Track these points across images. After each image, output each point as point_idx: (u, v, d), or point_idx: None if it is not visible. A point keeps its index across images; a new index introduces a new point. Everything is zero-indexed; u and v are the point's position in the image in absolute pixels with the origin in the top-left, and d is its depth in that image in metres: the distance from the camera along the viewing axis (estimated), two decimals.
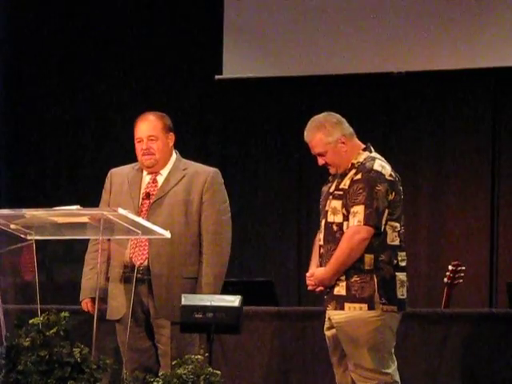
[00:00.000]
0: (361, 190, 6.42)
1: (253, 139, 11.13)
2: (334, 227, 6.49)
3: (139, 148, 6.80)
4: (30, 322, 5.94)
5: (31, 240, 6.44)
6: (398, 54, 10.63)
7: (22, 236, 6.47)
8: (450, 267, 8.61)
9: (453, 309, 8.43)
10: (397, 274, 6.48)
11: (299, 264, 10.16)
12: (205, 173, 6.83)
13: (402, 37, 10.66)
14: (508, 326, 7.51)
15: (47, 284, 6.46)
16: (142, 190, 6.81)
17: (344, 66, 10.90)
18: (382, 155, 6.66)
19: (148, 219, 6.59)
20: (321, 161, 6.62)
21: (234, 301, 6.37)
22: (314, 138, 6.61)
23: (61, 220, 6.45)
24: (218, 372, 5.96)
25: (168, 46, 11.48)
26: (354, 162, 6.55)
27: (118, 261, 6.78)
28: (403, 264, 6.54)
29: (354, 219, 6.40)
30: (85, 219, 6.39)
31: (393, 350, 6.51)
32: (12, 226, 6.45)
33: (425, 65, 10.57)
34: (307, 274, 6.62)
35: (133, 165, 6.95)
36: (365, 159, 6.55)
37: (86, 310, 6.79)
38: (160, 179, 6.83)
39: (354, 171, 6.51)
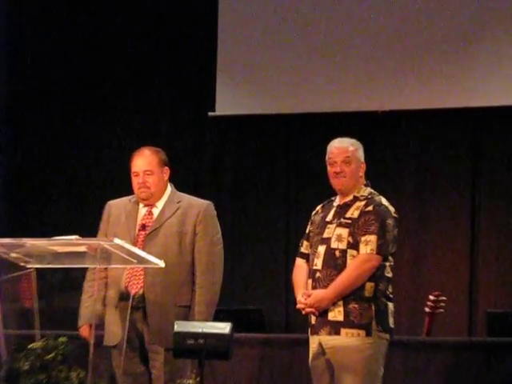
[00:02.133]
0: (373, 221, 6.44)
1: (243, 173, 11.07)
2: (337, 253, 6.47)
3: (136, 182, 6.82)
4: (30, 346, 5.94)
5: (31, 268, 6.41)
6: (383, 93, 10.61)
7: (22, 264, 6.43)
8: (431, 297, 8.58)
9: (434, 337, 8.43)
10: (389, 303, 6.52)
11: (287, 293, 10.17)
12: (198, 205, 6.84)
13: (388, 76, 10.66)
14: (487, 354, 7.53)
15: (46, 310, 6.44)
16: (138, 222, 6.81)
17: (331, 104, 10.84)
18: None
19: (144, 249, 6.57)
20: (341, 167, 6.58)
21: (224, 328, 6.35)
22: (350, 147, 6.66)
23: (60, 249, 6.42)
24: None
25: (163, 84, 11.44)
26: (357, 195, 6.58)
27: (115, 289, 6.76)
28: (391, 296, 6.58)
29: (367, 247, 6.41)
30: (83, 249, 6.36)
31: (381, 378, 6.51)
32: (13, 255, 6.42)
33: (406, 104, 10.55)
34: (302, 292, 6.54)
35: (129, 197, 6.95)
36: (370, 193, 6.61)
37: (83, 335, 6.76)
38: (155, 211, 6.84)
39: (363, 203, 6.52)
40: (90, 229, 7.22)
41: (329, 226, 6.57)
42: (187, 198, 6.92)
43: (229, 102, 11.19)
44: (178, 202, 6.86)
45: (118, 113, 11.53)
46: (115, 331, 6.72)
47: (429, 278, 10.09)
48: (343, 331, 6.40)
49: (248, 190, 11.00)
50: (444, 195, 10.40)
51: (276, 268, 10.63)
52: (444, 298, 8.60)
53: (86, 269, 6.64)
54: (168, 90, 11.43)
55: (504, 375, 7.40)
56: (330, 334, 6.44)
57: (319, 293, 6.43)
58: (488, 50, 10.38)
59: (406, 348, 7.76)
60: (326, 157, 6.69)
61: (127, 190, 6.94)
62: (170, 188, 6.92)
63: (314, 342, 6.55)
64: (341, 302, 6.41)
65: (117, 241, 6.24)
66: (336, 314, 6.42)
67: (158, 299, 6.67)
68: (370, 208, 6.50)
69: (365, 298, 6.42)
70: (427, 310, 8.57)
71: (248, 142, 11.14)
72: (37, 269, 6.42)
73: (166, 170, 6.89)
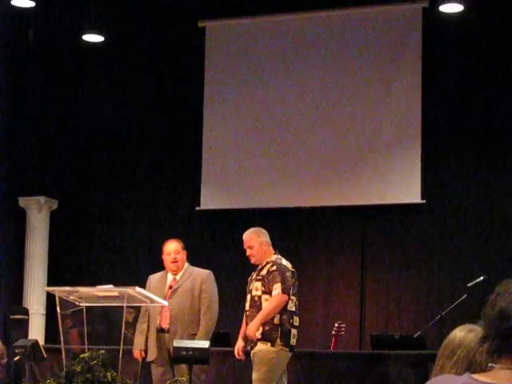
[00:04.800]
0: (277, 275, 6.57)
1: (226, 257, 10.26)
2: (256, 298, 6.62)
3: (169, 258, 7.01)
4: (81, 356, 5.94)
5: (82, 306, 6.41)
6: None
7: (77, 303, 6.43)
8: (336, 324, 8.49)
9: (337, 350, 8.33)
10: (292, 329, 6.56)
11: None
12: (203, 273, 7.07)
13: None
14: (371, 362, 7.45)
15: (92, 333, 6.44)
16: (168, 284, 7.00)
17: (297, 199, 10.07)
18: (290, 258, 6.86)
19: (170, 300, 6.82)
20: (248, 251, 6.74)
21: (205, 344, 6.45)
22: (249, 235, 6.81)
23: (100, 294, 6.46)
24: None
25: (158, 187, 10.80)
26: (269, 260, 6.70)
27: (153, 325, 6.92)
28: (297, 324, 6.62)
29: (275, 291, 6.53)
30: (115, 293, 6.40)
31: (278, 376, 6.53)
32: (71, 297, 6.44)
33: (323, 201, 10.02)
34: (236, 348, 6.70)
35: (160, 273, 7.14)
36: (276, 258, 6.72)
37: (136, 356, 6.91)
38: (177, 277, 7.04)
39: (270, 265, 6.64)
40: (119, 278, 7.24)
41: (252, 281, 6.73)
42: (196, 269, 7.12)
43: (212, 198, 10.47)
44: (191, 272, 7.07)
45: (122, 215, 10.99)
46: (153, 351, 6.87)
47: (335, 313, 9.82)
48: (259, 343, 6.52)
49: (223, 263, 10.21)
50: (345, 266, 10.21)
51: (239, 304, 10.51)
52: (344, 325, 8.52)
53: (120, 307, 6.50)
54: (165, 190, 10.80)
55: (382, 376, 7.40)
56: (252, 348, 6.57)
57: (250, 327, 6.55)
58: (373, 164, 9.93)
59: (319, 358, 7.73)
60: None
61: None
62: (186, 263, 7.13)
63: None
64: (261, 327, 6.49)
65: (138, 289, 6.33)
66: (257, 335, 6.51)
67: (178, 330, 6.82)
68: (274, 268, 6.62)
69: (274, 324, 6.51)
70: (333, 332, 8.47)
71: (229, 231, 10.26)
72: (86, 306, 6.42)
73: (185, 252, 7.10)
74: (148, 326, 6.97)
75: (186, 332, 6.78)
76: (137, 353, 6.93)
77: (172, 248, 7.05)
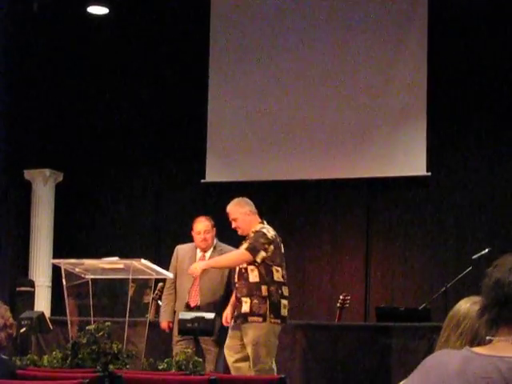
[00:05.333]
0: (251, 238, 6.49)
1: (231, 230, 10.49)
2: (243, 270, 6.53)
3: (199, 238, 6.98)
4: (87, 328, 5.91)
5: (88, 278, 6.41)
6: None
7: (82, 275, 6.42)
8: (341, 297, 8.47)
9: (343, 322, 8.33)
10: (282, 300, 6.45)
11: None
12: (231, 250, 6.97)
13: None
14: (376, 334, 7.48)
15: (97, 305, 6.46)
16: (197, 260, 6.95)
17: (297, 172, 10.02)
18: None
19: (200, 278, 6.80)
20: (234, 224, 6.65)
21: (210, 316, 6.45)
22: (232, 208, 6.70)
23: (106, 266, 6.45)
24: (200, 360, 5.98)
25: (163, 160, 10.77)
26: (253, 229, 6.56)
27: (181, 302, 6.95)
28: (286, 294, 6.49)
29: (242, 247, 6.49)
30: (121, 266, 6.39)
31: (275, 348, 6.48)
32: (76, 269, 6.43)
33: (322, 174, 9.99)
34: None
35: (190, 245, 7.11)
36: (260, 227, 6.57)
37: (163, 328, 6.95)
38: (207, 255, 7.02)
39: (252, 234, 6.58)
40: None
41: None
42: (226, 247, 7.05)
43: (217, 171, 10.41)
44: (221, 249, 7.00)
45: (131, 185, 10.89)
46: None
47: (341, 285, 9.82)
48: (250, 318, 6.41)
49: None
50: (351, 238, 10.19)
51: None
52: (349, 297, 8.53)
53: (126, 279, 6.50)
54: (170, 163, 10.74)
55: (387, 348, 7.38)
56: (243, 322, 6.45)
57: (195, 264, 6.57)
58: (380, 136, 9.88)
59: (325, 330, 7.72)
60: None
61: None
62: (215, 240, 7.09)
63: (236, 330, 6.55)
64: (248, 300, 6.40)
65: (143, 261, 6.31)
66: (245, 308, 6.42)
67: (206, 309, 6.78)
68: (252, 234, 6.54)
69: (262, 296, 6.39)
70: (338, 305, 8.47)
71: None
72: (92, 279, 6.42)
73: (214, 230, 7.06)
74: (174, 301, 6.97)
75: (214, 311, 6.66)
76: (164, 324, 6.96)
77: (202, 227, 6.99)
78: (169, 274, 6.73)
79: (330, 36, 10.15)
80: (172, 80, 10.73)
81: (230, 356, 6.53)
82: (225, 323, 6.63)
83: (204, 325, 6.28)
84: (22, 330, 7.00)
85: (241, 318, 6.47)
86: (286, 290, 6.53)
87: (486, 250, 7.91)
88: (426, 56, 9.81)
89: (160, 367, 5.81)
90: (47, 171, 10.80)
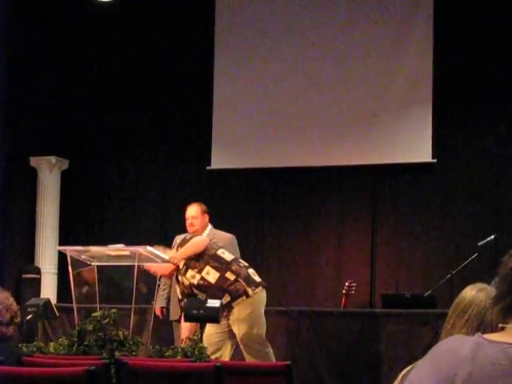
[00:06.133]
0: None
1: (236, 216, 10.22)
2: (200, 282, 6.55)
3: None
4: (93, 315, 5.93)
5: (94, 265, 6.43)
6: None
7: (88, 262, 6.44)
8: (347, 283, 8.52)
9: (348, 309, 8.39)
10: (248, 270, 6.59)
11: None
12: (225, 237, 7.12)
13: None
14: (381, 321, 7.46)
15: (103, 292, 6.47)
16: None
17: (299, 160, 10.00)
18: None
19: None
20: (191, 221, 7.04)
21: (215, 303, 6.46)
22: (194, 208, 7.07)
23: (112, 253, 6.48)
24: (206, 346, 6.01)
25: (169, 146, 10.72)
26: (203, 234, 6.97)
27: (178, 288, 6.90)
28: (246, 264, 6.65)
29: (195, 238, 6.68)
30: (127, 253, 6.41)
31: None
32: (82, 256, 6.44)
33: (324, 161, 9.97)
34: None
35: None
36: (210, 231, 7.07)
37: (157, 313, 7.05)
38: None
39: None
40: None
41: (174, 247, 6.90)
42: (219, 233, 7.14)
43: (222, 158, 10.37)
44: (213, 234, 7.06)
45: (136, 172, 11.02)
46: (176, 311, 7.00)
47: (346, 272, 9.81)
48: (234, 304, 6.51)
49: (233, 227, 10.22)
50: (356, 225, 10.19)
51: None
52: (354, 284, 8.57)
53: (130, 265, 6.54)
54: (176, 150, 10.73)
55: (392, 334, 7.42)
56: (230, 311, 6.53)
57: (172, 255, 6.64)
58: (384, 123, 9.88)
59: (330, 316, 7.72)
60: None
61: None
62: (209, 227, 7.14)
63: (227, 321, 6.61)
64: (227, 295, 6.48)
65: (149, 248, 6.35)
66: (226, 298, 6.48)
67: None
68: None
69: (232, 280, 6.49)
70: (344, 291, 8.52)
71: (238, 190, 10.47)
72: (97, 265, 6.44)
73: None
74: (170, 288, 7.06)
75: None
76: (158, 310, 7.08)
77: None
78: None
79: (336, 22, 10.12)
80: (177, 67, 10.70)
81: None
82: None
83: (210, 312, 6.27)
84: (29, 317, 7.00)
85: (226, 309, 6.51)
86: (242, 261, 6.70)
87: (492, 237, 7.91)
88: (432, 42, 9.79)
89: (166, 354, 5.83)
90: (53, 158, 10.79)
